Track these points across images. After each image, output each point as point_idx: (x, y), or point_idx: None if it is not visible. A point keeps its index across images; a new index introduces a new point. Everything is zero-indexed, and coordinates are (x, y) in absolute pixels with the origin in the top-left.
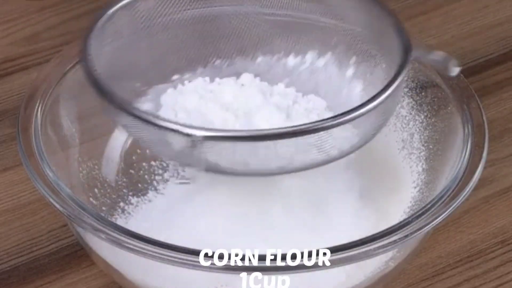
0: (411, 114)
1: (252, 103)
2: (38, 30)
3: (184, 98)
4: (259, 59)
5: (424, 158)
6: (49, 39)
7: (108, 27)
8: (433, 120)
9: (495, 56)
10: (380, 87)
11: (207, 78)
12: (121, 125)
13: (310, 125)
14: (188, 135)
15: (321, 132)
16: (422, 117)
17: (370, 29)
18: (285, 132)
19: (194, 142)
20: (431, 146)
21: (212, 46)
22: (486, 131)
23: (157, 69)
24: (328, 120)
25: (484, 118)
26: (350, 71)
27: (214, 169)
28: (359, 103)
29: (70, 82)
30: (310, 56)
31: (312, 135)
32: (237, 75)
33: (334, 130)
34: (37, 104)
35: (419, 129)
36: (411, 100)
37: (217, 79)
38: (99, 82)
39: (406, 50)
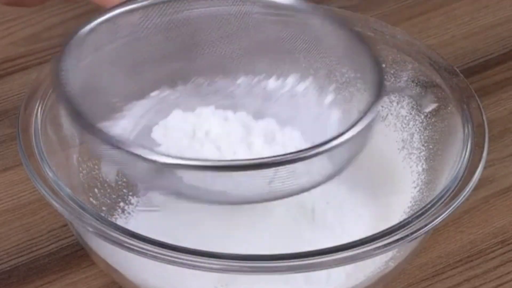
0: (411, 114)
1: (233, 136)
2: (38, 30)
3: (172, 131)
4: (240, 79)
5: (424, 158)
6: (49, 39)
7: (87, 41)
8: (433, 120)
9: (495, 56)
10: (356, 115)
11: (189, 113)
12: (90, 147)
13: (269, 159)
14: (152, 161)
15: (278, 167)
16: (422, 117)
17: (350, 58)
18: (249, 164)
19: (159, 168)
20: (431, 146)
21: (194, 63)
22: (486, 131)
23: (136, 85)
24: (287, 156)
25: (484, 118)
26: (329, 98)
27: (180, 196)
28: (335, 131)
29: None
30: (291, 80)
31: (271, 169)
32: (217, 94)
33: (299, 163)
34: (37, 104)
35: (419, 129)
36: (411, 100)
37: (199, 109)
38: (67, 100)
39: (379, 85)
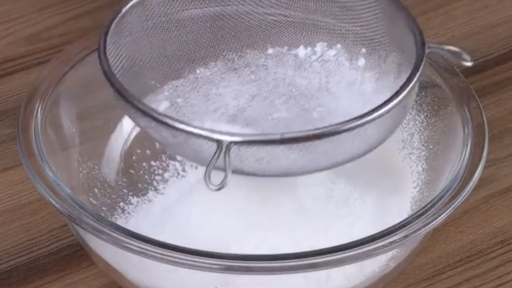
0: (411, 114)
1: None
2: (38, 30)
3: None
4: (270, 50)
5: (424, 158)
6: (49, 39)
7: (121, 25)
8: (433, 120)
9: (495, 56)
10: (393, 76)
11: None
12: (143, 128)
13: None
14: (216, 140)
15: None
16: (422, 117)
17: (380, 20)
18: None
19: (221, 146)
20: (431, 146)
21: (222, 41)
22: (486, 131)
23: (170, 66)
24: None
25: (484, 118)
26: (361, 61)
27: (240, 172)
28: (373, 93)
29: (70, 82)
30: (320, 47)
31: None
32: (249, 66)
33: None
34: (37, 104)
35: (419, 129)
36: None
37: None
38: (121, 87)
39: (422, 44)
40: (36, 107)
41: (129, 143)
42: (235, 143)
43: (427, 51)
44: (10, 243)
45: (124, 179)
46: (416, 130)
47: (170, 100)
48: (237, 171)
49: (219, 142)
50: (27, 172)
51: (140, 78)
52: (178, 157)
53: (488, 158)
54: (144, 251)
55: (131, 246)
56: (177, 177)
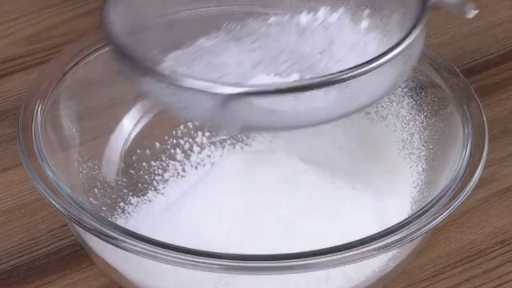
0: (411, 114)
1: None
2: (38, 30)
3: None
4: (272, 19)
5: (424, 158)
6: (49, 39)
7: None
8: (433, 120)
9: (495, 56)
10: (397, 36)
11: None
12: (147, 93)
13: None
14: (220, 94)
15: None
16: (422, 117)
17: None
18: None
19: (227, 100)
20: (431, 146)
21: (223, 10)
22: (486, 131)
23: (171, 36)
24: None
25: (484, 118)
26: (364, 24)
27: (249, 128)
28: (377, 53)
29: (70, 82)
30: (322, 12)
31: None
32: (252, 35)
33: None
34: (37, 104)
35: (419, 129)
36: (411, 100)
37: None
38: (123, 48)
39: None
40: (36, 107)
41: (129, 143)
42: (237, 94)
43: (429, 3)
44: (10, 243)
45: (124, 179)
46: (416, 130)
47: (173, 70)
48: (245, 126)
49: (218, 95)
50: (27, 172)
51: (141, 48)
52: (178, 157)
53: (488, 158)
54: (144, 251)
55: (131, 246)
56: (177, 177)
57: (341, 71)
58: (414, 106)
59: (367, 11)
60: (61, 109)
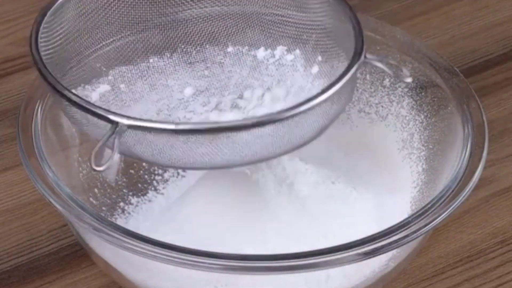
0: (411, 114)
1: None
2: None
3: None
4: (230, 48)
5: (424, 158)
6: None
7: (67, 5)
8: (433, 120)
9: (495, 56)
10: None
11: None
12: (59, 107)
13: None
14: (110, 121)
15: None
16: (422, 117)
17: (336, 29)
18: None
19: (117, 129)
20: (431, 146)
21: (181, 31)
22: (486, 131)
23: (121, 51)
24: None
25: (484, 118)
26: (315, 69)
27: (137, 158)
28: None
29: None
30: (279, 50)
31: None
32: (205, 62)
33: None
34: (37, 104)
35: (419, 129)
36: (411, 100)
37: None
38: (36, 61)
39: (357, 52)
40: (36, 107)
41: None
42: (129, 126)
43: (360, 60)
44: (10, 243)
45: (124, 179)
46: (416, 130)
47: (112, 85)
48: (135, 156)
49: (112, 122)
50: (27, 172)
51: (88, 62)
52: None
53: (488, 158)
54: (144, 251)
55: (131, 246)
56: (177, 177)
57: (234, 121)
58: (414, 106)
59: (320, 58)
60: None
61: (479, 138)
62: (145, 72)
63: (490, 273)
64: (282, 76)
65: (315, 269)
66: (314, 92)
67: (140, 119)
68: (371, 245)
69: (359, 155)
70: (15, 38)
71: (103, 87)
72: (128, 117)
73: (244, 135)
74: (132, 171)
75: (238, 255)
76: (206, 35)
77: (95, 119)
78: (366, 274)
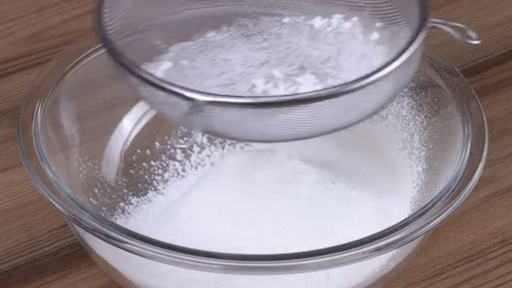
0: (411, 114)
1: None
2: (38, 30)
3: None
4: (286, 19)
5: (424, 158)
6: (49, 39)
7: None
8: (433, 120)
9: (495, 56)
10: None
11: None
12: (131, 86)
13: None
14: (189, 98)
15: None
16: (422, 117)
17: None
18: (288, 100)
19: (195, 106)
20: (431, 146)
21: (237, 4)
22: (486, 131)
23: (179, 27)
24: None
25: (484, 118)
26: (374, 36)
27: (216, 134)
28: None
29: (70, 82)
30: (336, 19)
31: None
32: (262, 34)
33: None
34: (37, 104)
35: (419, 129)
36: (411, 100)
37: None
38: (109, 42)
39: (424, 17)
40: (36, 107)
41: (129, 143)
42: (208, 102)
43: (428, 25)
44: (10, 243)
45: (124, 179)
46: (416, 130)
47: (174, 61)
48: (216, 133)
49: (189, 99)
50: (27, 172)
51: (147, 39)
52: (178, 157)
53: (488, 158)
54: (144, 251)
55: (131, 246)
56: (177, 177)
57: (307, 92)
58: (414, 106)
59: (379, 24)
60: (61, 109)
61: (479, 138)
62: (204, 47)
63: (490, 273)
64: (342, 44)
65: (315, 269)
66: (377, 59)
67: (219, 95)
68: (371, 245)
69: (359, 155)
70: (15, 38)
71: (166, 64)
72: (208, 94)
73: (323, 104)
74: (132, 171)
75: (238, 255)
76: (262, 7)
77: (173, 98)
78: (366, 274)
